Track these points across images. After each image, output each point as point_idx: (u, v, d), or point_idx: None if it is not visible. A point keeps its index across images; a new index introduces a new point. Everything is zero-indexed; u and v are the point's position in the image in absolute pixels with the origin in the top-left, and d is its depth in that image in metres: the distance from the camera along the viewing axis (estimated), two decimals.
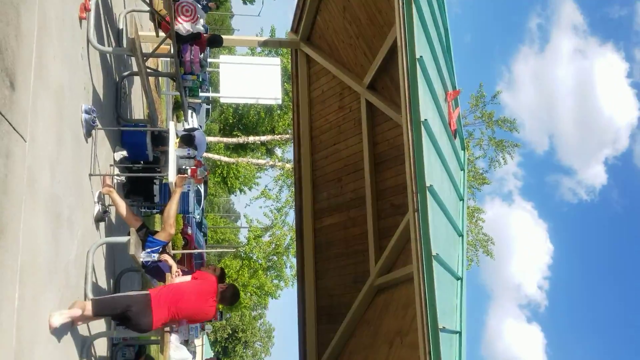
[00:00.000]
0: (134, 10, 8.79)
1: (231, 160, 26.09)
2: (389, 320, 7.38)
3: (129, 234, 5.80)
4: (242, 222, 42.22)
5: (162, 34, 7.77)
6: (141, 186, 7.96)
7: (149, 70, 7.51)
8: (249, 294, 23.52)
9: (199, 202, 20.32)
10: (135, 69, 7.83)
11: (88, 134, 5.88)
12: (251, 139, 25.36)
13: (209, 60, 12.17)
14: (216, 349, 47.96)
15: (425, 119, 5.62)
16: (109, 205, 6.59)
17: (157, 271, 6.06)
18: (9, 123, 3.77)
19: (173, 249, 14.27)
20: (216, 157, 25.54)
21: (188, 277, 5.67)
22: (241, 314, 45.01)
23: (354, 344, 8.28)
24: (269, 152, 27.95)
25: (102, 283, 6.39)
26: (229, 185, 30.21)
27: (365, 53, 8.59)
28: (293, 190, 13.74)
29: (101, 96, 6.67)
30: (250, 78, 11.44)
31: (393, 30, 7.40)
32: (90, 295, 5.46)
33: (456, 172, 8.51)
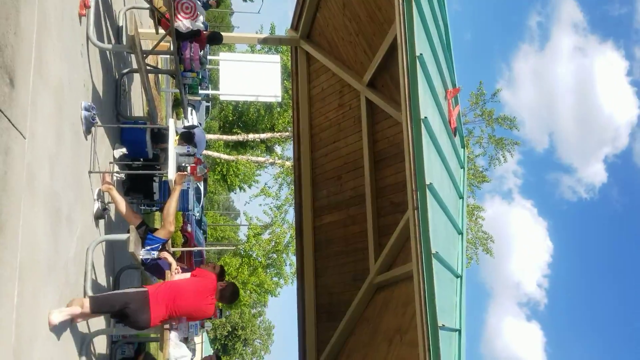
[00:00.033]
0: (133, 8, 8.78)
1: (231, 157, 26.07)
2: (389, 318, 7.38)
3: (128, 232, 5.79)
4: (242, 220, 42.32)
5: (161, 31, 7.76)
6: (141, 183, 7.96)
7: (148, 68, 7.50)
8: (248, 291, 23.53)
9: (198, 199, 20.35)
10: (135, 66, 7.82)
11: (88, 131, 5.87)
12: (251, 136, 25.34)
13: (208, 57, 12.12)
14: (216, 347, 48.00)
15: (425, 117, 5.61)
16: (109, 202, 6.59)
17: (156, 269, 6.06)
18: (8, 120, 3.76)
19: (173, 246, 14.28)
20: (216, 154, 25.53)
21: (187, 275, 5.67)
22: (241, 311, 45.07)
23: (353, 341, 8.29)
24: (269, 150, 27.91)
25: (102, 280, 6.39)
26: (228, 182, 30.22)
27: (365, 50, 8.58)
28: (293, 188, 13.74)
29: (101, 93, 6.66)
30: (250, 75, 11.41)
31: (393, 28, 7.38)
32: (89, 293, 5.46)
33: (456, 170, 8.50)
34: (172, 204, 6.11)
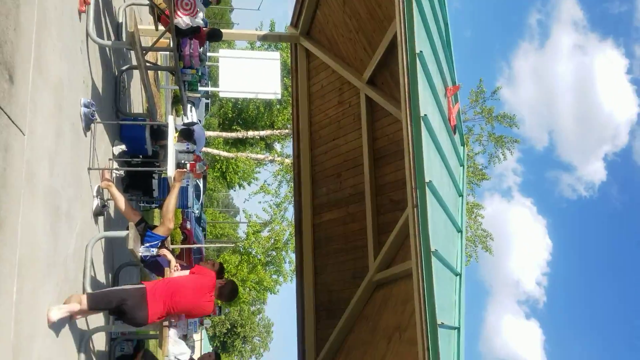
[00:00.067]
0: (133, 4, 8.75)
1: (230, 155, 26.05)
2: (388, 315, 7.39)
3: (127, 228, 5.79)
4: (241, 217, 42.31)
5: (161, 27, 7.74)
6: (140, 180, 7.95)
7: (148, 64, 7.49)
8: (247, 289, 23.55)
9: (198, 196, 20.34)
10: (134, 62, 7.81)
11: (87, 127, 5.87)
12: (250, 133, 25.33)
13: (208, 54, 12.13)
14: (215, 344, 48.05)
15: (425, 115, 5.61)
16: (108, 199, 6.58)
17: (155, 266, 6.05)
18: (8, 116, 3.76)
19: (172, 243, 14.28)
20: (215, 151, 25.52)
21: (187, 272, 5.66)
22: (240, 309, 45.08)
23: (352, 339, 8.30)
24: (268, 147, 27.90)
25: (101, 277, 6.39)
26: (228, 180, 30.20)
27: (365, 48, 8.57)
28: (292, 186, 13.73)
29: (100, 90, 6.65)
30: (249, 72, 11.42)
31: (393, 25, 7.38)
32: (88, 289, 5.46)
33: (455, 168, 8.50)
34: (172, 201, 6.10)
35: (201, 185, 21.28)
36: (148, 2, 7.59)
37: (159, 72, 15.78)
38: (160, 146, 7.63)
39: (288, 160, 21.46)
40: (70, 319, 4.94)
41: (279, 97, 11.99)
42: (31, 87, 4.22)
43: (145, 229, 5.99)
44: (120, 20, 8.13)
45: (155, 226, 6.12)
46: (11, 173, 3.80)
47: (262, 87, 11.55)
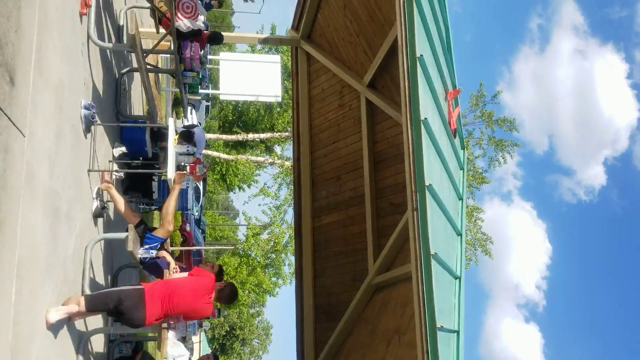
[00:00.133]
0: (134, 7, 8.78)
1: (230, 157, 26.06)
2: (387, 318, 7.38)
3: (127, 230, 5.79)
4: (241, 220, 42.31)
5: (162, 30, 7.76)
6: (140, 182, 7.95)
7: (148, 67, 7.50)
8: (247, 291, 23.51)
9: (197, 199, 20.31)
10: (135, 65, 7.82)
11: (87, 129, 5.87)
12: (250, 136, 25.33)
13: (209, 57, 12.13)
14: (214, 346, 47.96)
15: (425, 118, 5.61)
16: (108, 201, 6.58)
17: (155, 268, 6.05)
18: (8, 118, 3.76)
19: (171, 245, 14.26)
20: (215, 154, 25.52)
21: (186, 274, 5.65)
22: (239, 311, 45.05)
23: (351, 342, 8.29)
24: (268, 150, 27.91)
25: (100, 279, 6.39)
26: (228, 182, 30.21)
27: (366, 51, 8.58)
28: (292, 188, 13.74)
29: (101, 92, 6.66)
30: (250, 75, 11.41)
31: (394, 29, 7.39)
32: (87, 291, 5.45)
33: (455, 172, 8.51)
34: (171, 203, 6.10)
35: (201, 188, 21.27)
36: (149, 5, 7.61)
37: (160, 74, 15.80)
38: (160, 148, 7.64)
39: (288, 163, 21.47)
40: (68, 321, 4.93)
41: (280, 100, 11.97)
42: (32, 88, 4.23)
43: (145, 231, 5.99)
44: (121, 23, 8.14)
45: (155, 228, 6.11)
46: (11, 174, 3.80)
47: (262, 90, 11.54)
